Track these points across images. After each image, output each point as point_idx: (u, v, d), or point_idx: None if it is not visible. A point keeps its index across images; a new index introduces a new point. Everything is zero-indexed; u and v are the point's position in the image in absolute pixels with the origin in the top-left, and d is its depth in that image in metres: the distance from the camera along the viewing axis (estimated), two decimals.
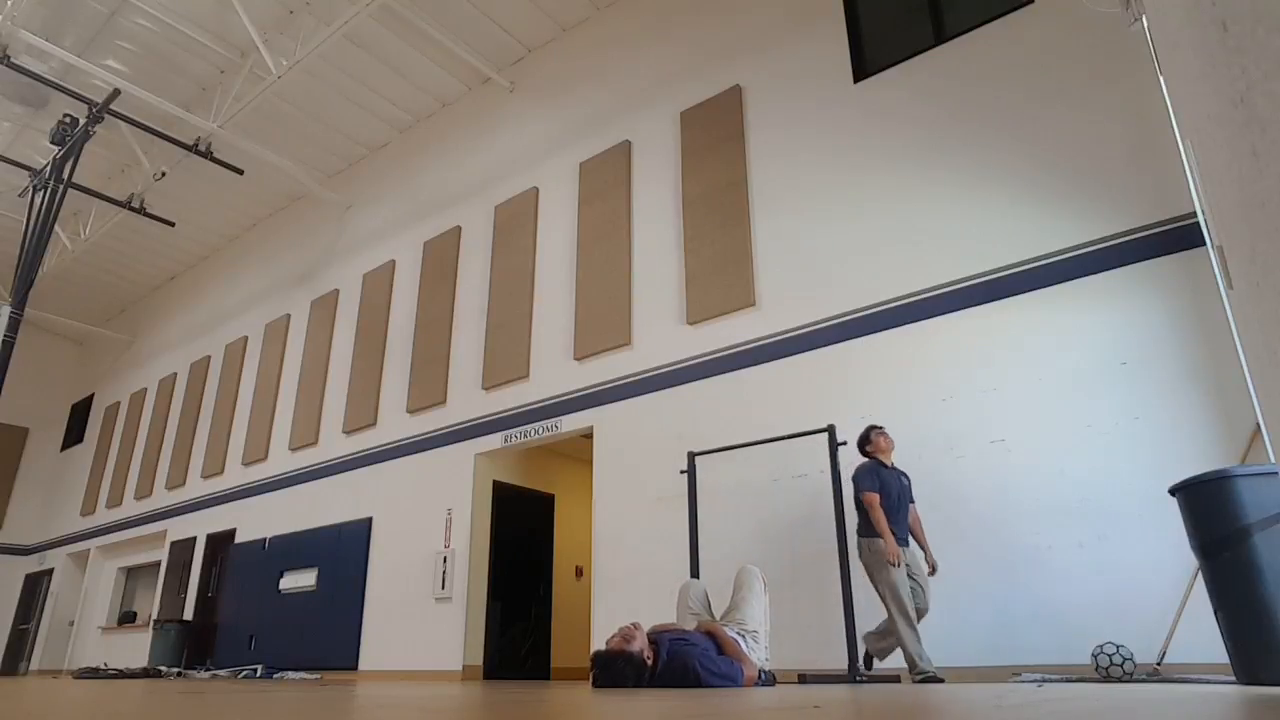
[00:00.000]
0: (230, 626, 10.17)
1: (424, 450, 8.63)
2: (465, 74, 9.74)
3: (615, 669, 3.69)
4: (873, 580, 4.62)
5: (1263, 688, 2.91)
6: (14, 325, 7.53)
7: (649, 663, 3.74)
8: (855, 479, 4.79)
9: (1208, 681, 3.60)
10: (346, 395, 9.82)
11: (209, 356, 12.82)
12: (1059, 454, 4.76)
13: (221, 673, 9.03)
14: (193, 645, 10.49)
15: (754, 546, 5.69)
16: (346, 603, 8.72)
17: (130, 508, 13.11)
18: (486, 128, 9.63)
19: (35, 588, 14.97)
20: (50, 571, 14.58)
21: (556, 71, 9.08)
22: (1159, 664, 4.05)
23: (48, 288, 13.36)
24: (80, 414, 16.05)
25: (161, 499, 12.45)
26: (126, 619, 12.94)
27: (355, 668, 8.41)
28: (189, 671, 9.59)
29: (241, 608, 10.11)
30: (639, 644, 3.75)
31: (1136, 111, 4.95)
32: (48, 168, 9.14)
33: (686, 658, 3.74)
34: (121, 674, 9.01)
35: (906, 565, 4.57)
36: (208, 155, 10.15)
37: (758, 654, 4.15)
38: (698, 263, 6.88)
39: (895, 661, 4.88)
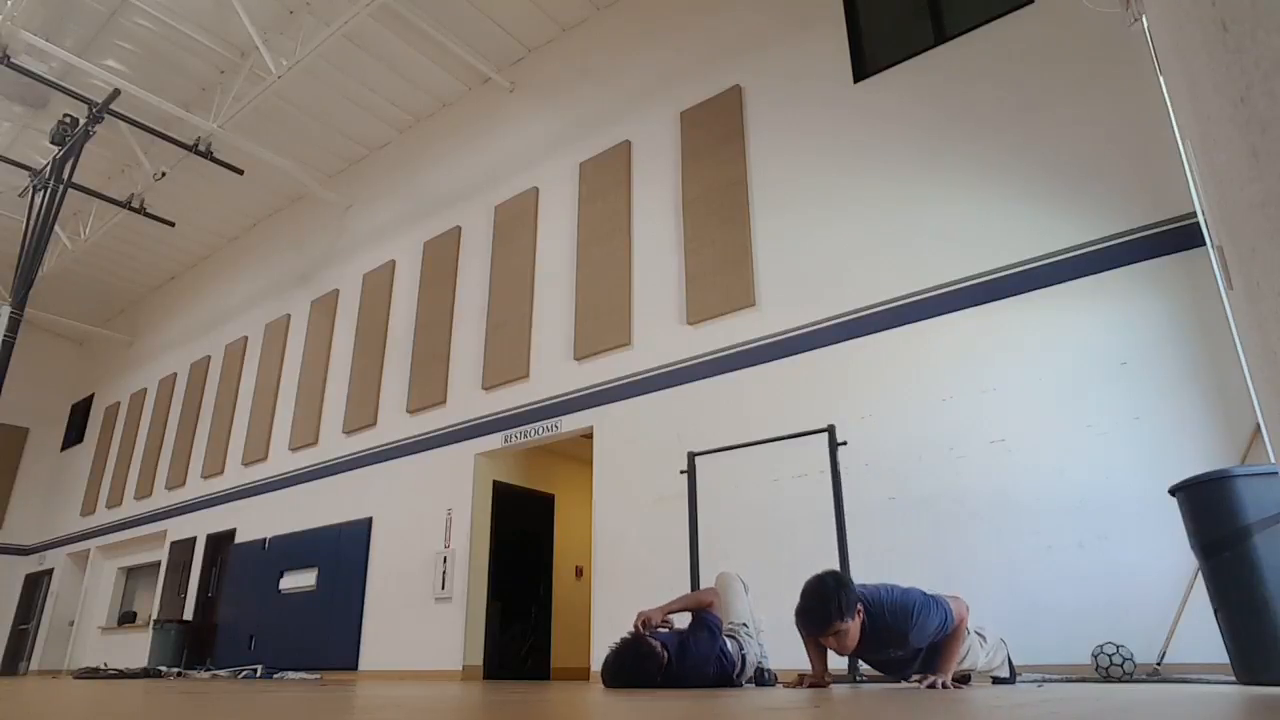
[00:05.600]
0: (230, 626, 10.16)
1: (424, 450, 8.63)
2: (465, 74, 9.74)
3: (642, 665, 3.70)
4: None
5: (1263, 688, 2.91)
6: (14, 325, 7.52)
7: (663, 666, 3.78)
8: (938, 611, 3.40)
9: (1208, 681, 3.60)
10: (346, 395, 9.82)
11: (209, 356, 12.81)
12: (1059, 454, 4.75)
13: (221, 673, 9.03)
14: (193, 645, 10.47)
15: (754, 546, 5.69)
16: (346, 603, 8.72)
17: (130, 508, 13.11)
18: (486, 128, 9.63)
19: (35, 588, 14.97)
20: (50, 571, 14.58)
21: (556, 71, 9.08)
22: (1159, 664, 4.05)
23: (48, 288, 13.33)
24: (80, 414, 16.06)
25: (161, 499, 12.44)
26: (126, 619, 12.94)
27: (355, 668, 8.41)
28: (189, 672, 9.58)
29: (241, 608, 10.10)
30: (663, 650, 3.80)
31: (1136, 111, 4.94)
32: (48, 168, 9.13)
33: (686, 658, 3.78)
34: (121, 674, 9.01)
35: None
36: (208, 155, 10.14)
37: (752, 648, 4.18)
38: (698, 263, 6.88)
39: None
